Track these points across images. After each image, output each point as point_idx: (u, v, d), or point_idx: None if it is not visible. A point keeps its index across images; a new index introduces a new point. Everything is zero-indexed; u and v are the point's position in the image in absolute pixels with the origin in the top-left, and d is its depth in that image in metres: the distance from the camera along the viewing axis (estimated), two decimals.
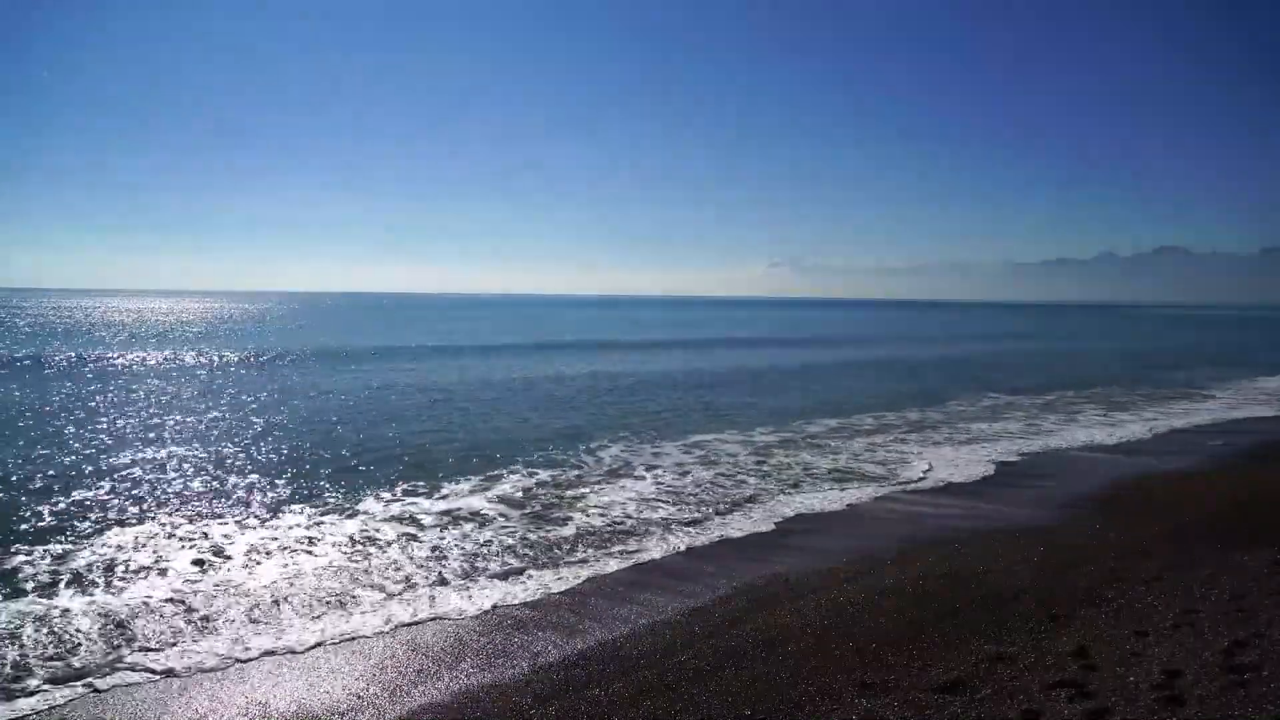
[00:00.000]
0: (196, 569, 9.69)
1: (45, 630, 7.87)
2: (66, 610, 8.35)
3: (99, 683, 6.90)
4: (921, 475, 15.28)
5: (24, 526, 11.16)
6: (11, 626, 7.92)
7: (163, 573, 9.52)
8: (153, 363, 35.46)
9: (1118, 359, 46.92)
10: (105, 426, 19.36)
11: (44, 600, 8.62)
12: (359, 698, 6.63)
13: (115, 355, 37.86)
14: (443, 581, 9.42)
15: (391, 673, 7.08)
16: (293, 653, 7.53)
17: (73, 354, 36.03)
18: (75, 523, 11.35)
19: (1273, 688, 5.83)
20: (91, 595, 8.77)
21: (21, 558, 9.87)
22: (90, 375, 29.73)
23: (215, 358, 36.23)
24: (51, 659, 7.31)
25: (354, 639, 7.83)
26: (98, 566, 9.61)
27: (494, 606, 8.67)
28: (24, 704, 6.56)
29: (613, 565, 10.03)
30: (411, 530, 11.38)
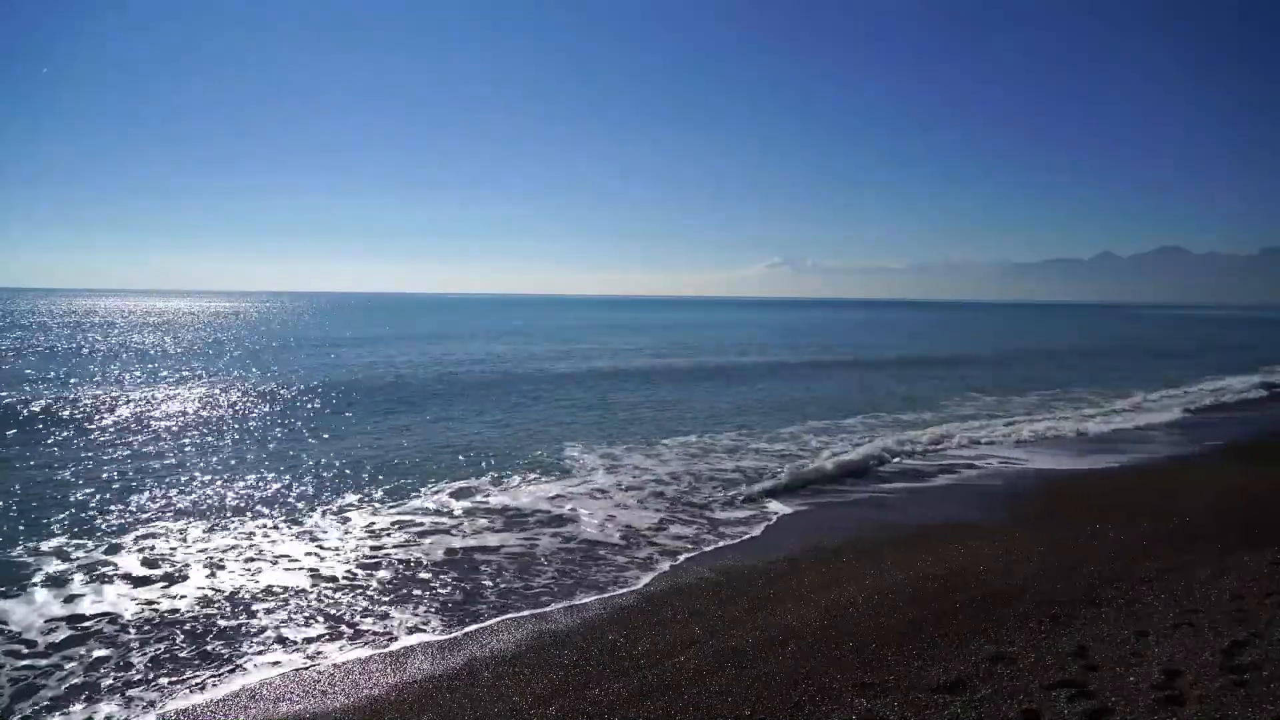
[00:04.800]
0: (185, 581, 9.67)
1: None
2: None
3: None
4: (920, 477, 15.29)
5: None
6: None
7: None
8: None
9: (1112, 359, 46.97)
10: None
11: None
12: (358, 702, 6.62)
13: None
14: (442, 585, 9.42)
15: (388, 676, 7.07)
16: (290, 660, 7.53)
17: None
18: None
19: (1273, 688, 5.83)
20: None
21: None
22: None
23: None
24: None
25: (353, 645, 7.82)
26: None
27: (493, 611, 8.67)
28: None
29: (609, 567, 10.04)
30: (406, 537, 11.37)
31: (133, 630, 7.95)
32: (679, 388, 29.83)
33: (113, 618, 8.22)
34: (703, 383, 31.70)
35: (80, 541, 10.59)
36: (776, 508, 12.80)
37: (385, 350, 45.68)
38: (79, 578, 9.28)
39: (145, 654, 7.44)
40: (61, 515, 11.83)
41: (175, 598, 8.76)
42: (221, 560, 9.95)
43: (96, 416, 21.00)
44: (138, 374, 32.13)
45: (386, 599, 8.84)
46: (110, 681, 6.93)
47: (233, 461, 15.94)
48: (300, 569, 9.70)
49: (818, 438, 18.88)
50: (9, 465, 15.22)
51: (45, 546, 10.37)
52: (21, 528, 11.16)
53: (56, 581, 9.16)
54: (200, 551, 10.28)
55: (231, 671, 7.13)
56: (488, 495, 13.33)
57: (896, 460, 16.51)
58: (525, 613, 8.50)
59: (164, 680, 6.95)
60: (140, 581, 9.23)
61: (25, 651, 7.48)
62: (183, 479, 14.33)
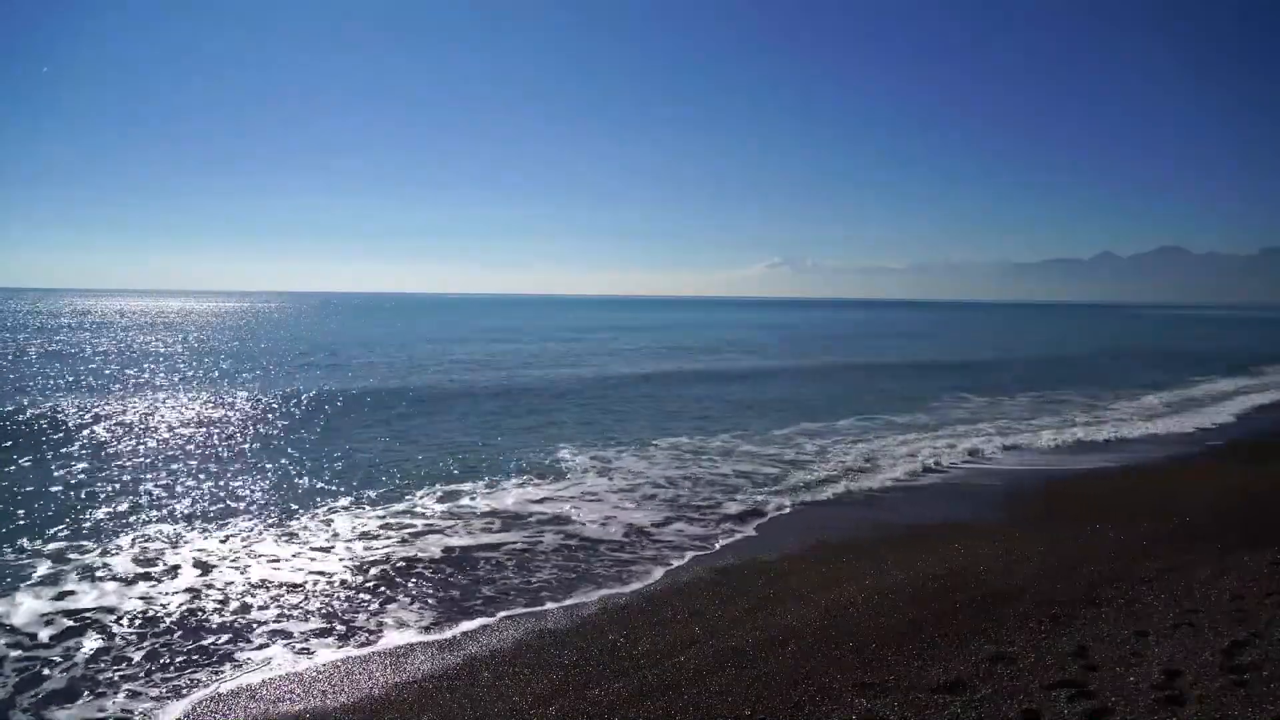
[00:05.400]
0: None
1: None
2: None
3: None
4: (918, 477, 15.28)
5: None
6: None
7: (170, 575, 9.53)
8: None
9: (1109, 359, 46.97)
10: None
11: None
12: (358, 702, 6.62)
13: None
14: (440, 586, 9.42)
15: (388, 675, 7.07)
16: (289, 659, 7.53)
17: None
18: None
19: (1273, 688, 5.83)
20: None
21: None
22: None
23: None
24: None
25: (352, 644, 7.82)
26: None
27: (492, 611, 8.67)
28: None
29: (608, 567, 10.04)
30: (404, 537, 11.37)
31: (134, 628, 7.94)
32: (676, 389, 29.80)
33: (113, 612, 8.20)
34: (700, 384, 31.69)
35: (80, 543, 10.59)
36: (776, 508, 12.79)
37: (383, 351, 45.68)
38: (81, 578, 9.25)
39: (145, 651, 7.43)
40: (62, 517, 11.82)
41: (172, 594, 8.75)
42: (218, 561, 9.94)
43: (94, 420, 20.99)
44: (135, 377, 32.12)
45: (385, 599, 8.84)
46: (111, 679, 6.93)
47: (229, 464, 15.93)
48: (298, 569, 9.69)
49: (812, 440, 18.86)
50: (8, 468, 15.21)
51: (46, 548, 10.37)
52: (21, 529, 11.16)
53: (56, 580, 9.15)
54: (197, 552, 10.27)
55: (231, 670, 7.13)
56: (484, 497, 13.31)
57: (932, 462, 16.48)
58: (525, 612, 8.50)
59: (163, 677, 6.95)
60: (141, 581, 9.22)
61: (28, 644, 7.47)
62: (180, 482, 14.33)
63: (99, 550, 10.24)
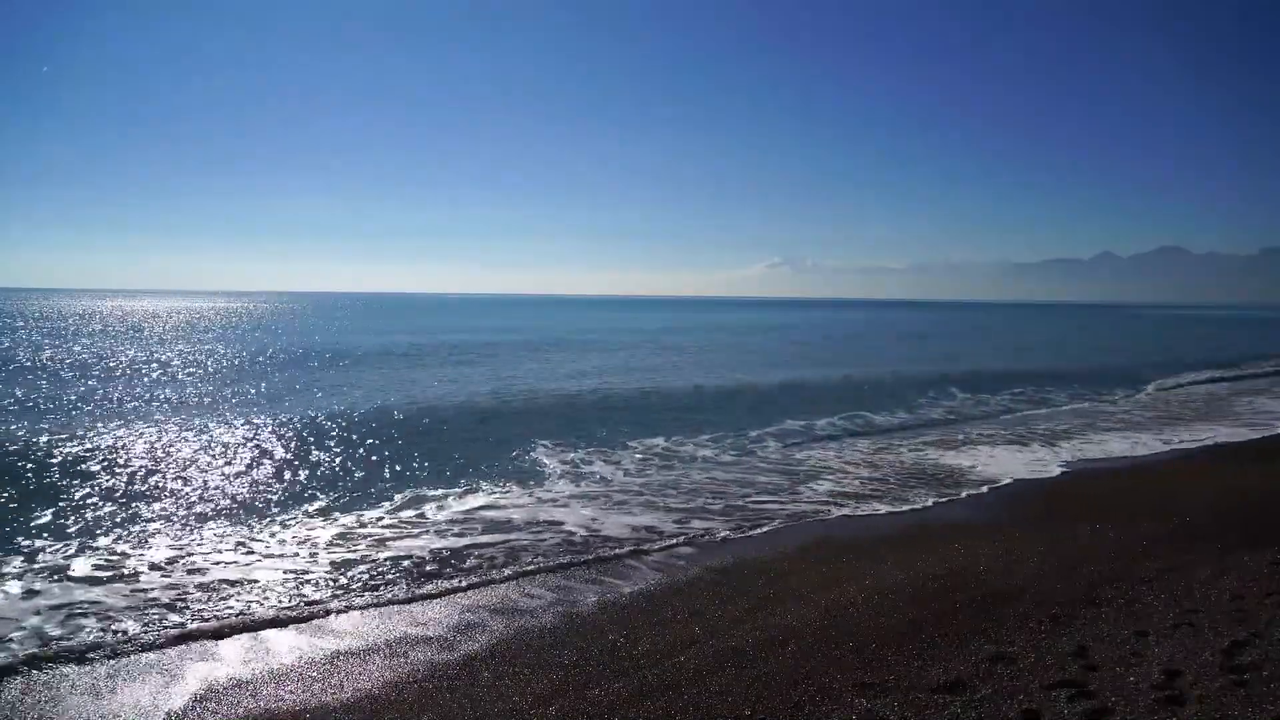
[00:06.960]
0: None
1: None
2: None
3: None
4: (918, 477, 15.28)
5: None
6: None
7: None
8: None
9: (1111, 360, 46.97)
10: None
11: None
12: (358, 701, 6.62)
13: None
14: (436, 587, 9.41)
15: (388, 675, 7.07)
16: (288, 657, 7.52)
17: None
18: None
19: (1273, 688, 5.83)
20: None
21: None
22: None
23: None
24: None
25: (350, 643, 7.83)
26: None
27: (492, 608, 8.66)
28: None
29: (610, 566, 10.03)
30: (411, 533, 11.37)
31: (128, 627, 7.95)
32: (673, 392, 29.78)
33: (105, 609, 8.23)
34: (697, 387, 31.67)
35: (66, 544, 10.62)
36: (775, 508, 12.79)
37: (378, 353, 45.68)
38: (56, 580, 9.29)
39: (139, 650, 7.44)
40: (56, 520, 11.84)
41: (164, 594, 8.76)
42: (209, 561, 9.96)
43: (83, 426, 21.01)
44: (129, 382, 32.14)
45: (382, 599, 8.84)
46: (107, 676, 6.93)
47: (219, 470, 15.93)
48: (295, 570, 9.70)
49: (808, 441, 18.87)
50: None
51: (40, 549, 10.40)
52: (15, 532, 11.18)
53: (40, 580, 9.17)
54: (188, 553, 10.30)
55: (229, 668, 7.13)
56: (472, 500, 13.30)
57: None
58: (523, 611, 8.48)
59: (160, 675, 6.96)
60: (129, 582, 9.24)
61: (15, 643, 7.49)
62: (165, 486, 14.33)
63: (92, 552, 10.25)
